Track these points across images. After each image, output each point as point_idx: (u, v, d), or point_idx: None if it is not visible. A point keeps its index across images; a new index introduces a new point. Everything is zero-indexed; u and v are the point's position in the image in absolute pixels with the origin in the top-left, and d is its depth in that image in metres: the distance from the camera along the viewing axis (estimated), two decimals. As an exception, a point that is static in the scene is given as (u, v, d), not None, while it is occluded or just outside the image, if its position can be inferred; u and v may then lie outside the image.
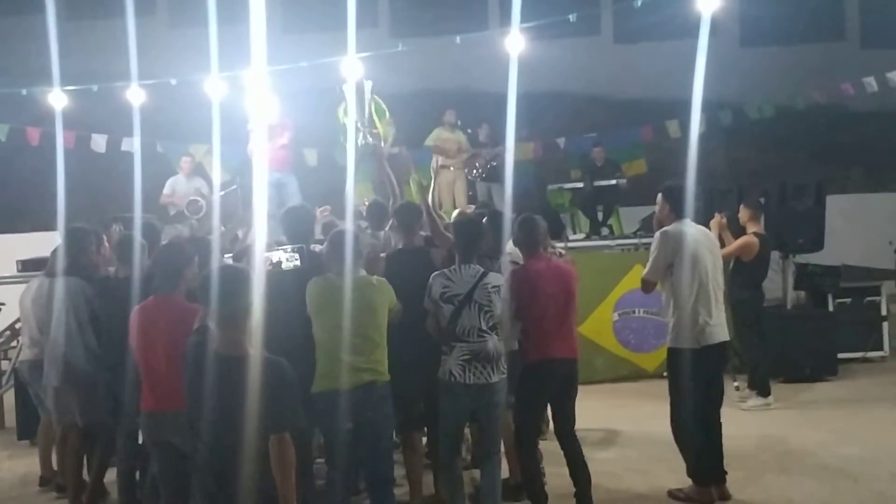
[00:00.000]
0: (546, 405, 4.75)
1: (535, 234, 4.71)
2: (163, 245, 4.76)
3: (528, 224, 4.72)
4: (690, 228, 4.85)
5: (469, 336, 4.30)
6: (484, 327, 4.32)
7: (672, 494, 4.98)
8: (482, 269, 4.38)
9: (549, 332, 4.57)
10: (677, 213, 4.87)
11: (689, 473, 4.91)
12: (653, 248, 4.91)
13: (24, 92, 9.09)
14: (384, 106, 7.36)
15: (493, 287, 4.37)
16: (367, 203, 5.84)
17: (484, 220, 5.03)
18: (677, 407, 4.90)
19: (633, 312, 8.04)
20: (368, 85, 6.38)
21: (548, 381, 4.60)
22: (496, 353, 4.35)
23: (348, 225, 4.47)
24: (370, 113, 6.65)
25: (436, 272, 4.42)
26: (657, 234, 4.90)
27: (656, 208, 5.11)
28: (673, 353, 4.90)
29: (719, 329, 4.84)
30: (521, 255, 5.16)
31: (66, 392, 5.03)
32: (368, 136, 6.56)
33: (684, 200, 4.86)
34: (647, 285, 4.96)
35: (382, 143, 6.91)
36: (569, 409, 4.71)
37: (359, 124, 6.36)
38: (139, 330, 3.90)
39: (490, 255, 4.79)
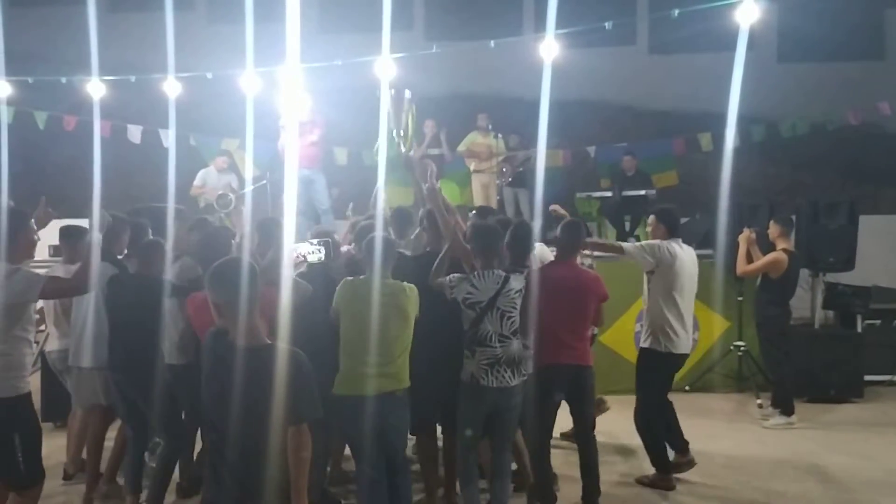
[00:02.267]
0: (554, 410, 4.85)
1: (577, 238, 4.89)
2: (206, 236, 4.82)
3: (573, 228, 4.90)
4: (679, 248, 5.37)
5: (490, 341, 4.32)
6: (506, 332, 4.35)
7: (639, 481, 5.41)
8: (504, 274, 4.39)
9: (558, 339, 4.70)
10: (670, 233, 5.43)
11: (653, 463, 5.42)
12: (645, 245, 5.43)
13: (63, 80, 9.24)
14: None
15: (517, 292, 4.40)
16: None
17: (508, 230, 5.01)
18: (643, 403, 5.42)
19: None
20: (408, 94, 6.32)
21: (554, 385, 4.74)
22: (519, 357, 4.40)
23: (379, 231, 4.45)
24: (407, 123, 6.60)
25: (460, 275, 4.41)
26: (654, 241, 5.44)
27: (648, 228, 5.69)
28: (644, 352, 5.46)
29: (683, 342, 5.35)
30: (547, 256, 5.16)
31: (94, 375, 5.12)
32: (403, 145, 6.53)
33: (676, 222, 5.51)
34: (629, 252, 5.40)
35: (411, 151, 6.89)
36: (585, 413, 4.86)
37: (394, 134, 6.30)
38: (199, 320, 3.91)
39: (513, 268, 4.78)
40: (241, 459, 2.87)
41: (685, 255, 5.39)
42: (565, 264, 4.86)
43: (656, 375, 5.41)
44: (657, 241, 5.40)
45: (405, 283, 4.25)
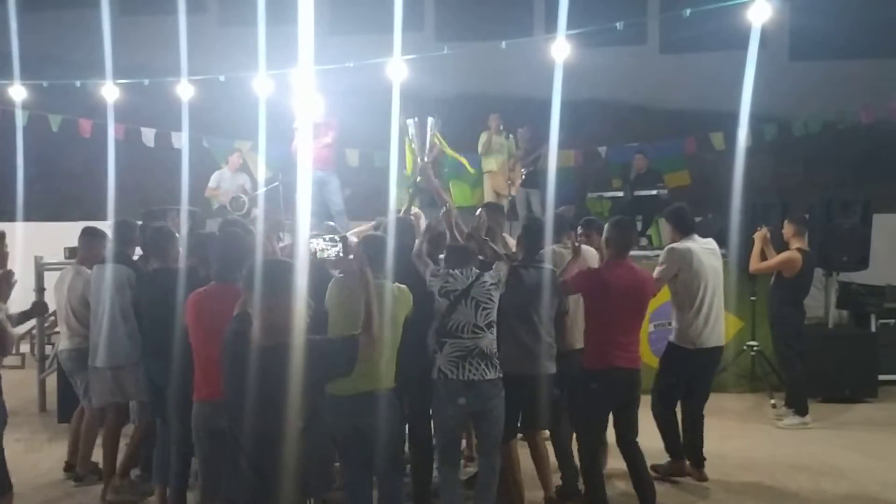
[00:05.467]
0: (607, 415, 4.69)
1: (627, 237, 4.78)
2: (223, 234, 4.84)
3: (623, 225, 4.78)
4: (696, 244, 5.41)
5: (462, 332, 4.28)
6: (480, 324, 4.31)
7: (653, 468, 5.29)
8: (479, 271, 4.42)
9: (615, 341, 4.53)
10: (681, 231, 5.47)
11: (666, 449, 5.55)
12: (661, 259, 5.46)
13: (77, 84, 9.32)
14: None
15: (492, 284, 4.39)
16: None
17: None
18: (659, 390, 5.54)
19: (669, 324, 7.93)
20: (431, 122, 6.29)
21: (607, 390, 4.57)
22: (490, 351, 4.32)
23: (391, 234, 4.48)
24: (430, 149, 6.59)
25: (440, 270, 4.47)
26: (666, 248, 5.48)
27: (667, 228, 5.70)
28: (671, 347, 5.55)
29: (713, 335, 5.42)
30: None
31: (108, 374, 5.16)
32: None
33: (686, 220, 5.55)
34: (659, 283, 5.34)
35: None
36: (631, 419, 4.69)
37: (419, 160, 6.28)
38: (196, 317, 3.90)
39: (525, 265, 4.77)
40: (259, 450, 2.92)
41: (703, 249, 5.41)
42: (623, 264, 4.66)
43: (682, 369, 5.46)
44: (669, 246, 5.44)
45: (397, 284, 4.14)
